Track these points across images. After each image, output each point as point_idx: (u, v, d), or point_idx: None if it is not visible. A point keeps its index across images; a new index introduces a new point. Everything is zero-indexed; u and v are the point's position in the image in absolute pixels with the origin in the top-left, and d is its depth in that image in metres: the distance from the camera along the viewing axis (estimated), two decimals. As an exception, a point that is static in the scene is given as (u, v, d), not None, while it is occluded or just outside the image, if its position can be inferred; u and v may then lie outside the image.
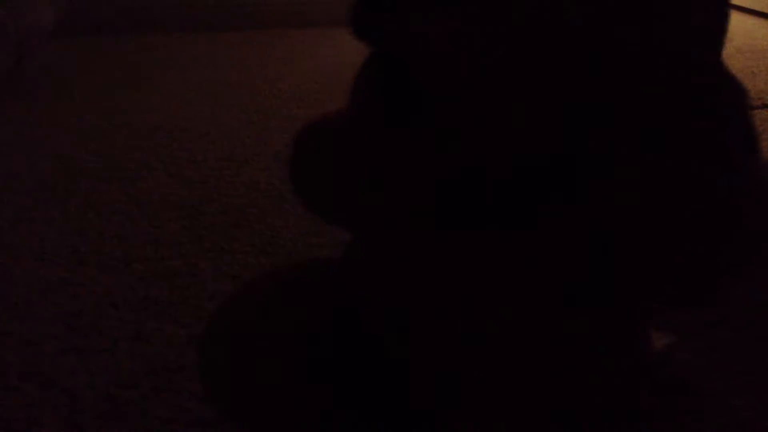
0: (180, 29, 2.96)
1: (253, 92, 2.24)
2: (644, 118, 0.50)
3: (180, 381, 0.98)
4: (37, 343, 1.06)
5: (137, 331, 1.09)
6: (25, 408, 0.93)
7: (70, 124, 1.97)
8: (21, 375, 1.00)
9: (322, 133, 0.70)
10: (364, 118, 0.60)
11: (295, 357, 0.66)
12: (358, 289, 0.66)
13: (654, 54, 0.50)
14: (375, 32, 0.58)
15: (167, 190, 1.58)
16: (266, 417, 0.68)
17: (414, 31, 0.54)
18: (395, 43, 0.55)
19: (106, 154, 1.77)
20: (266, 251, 1.32)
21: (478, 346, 0.58)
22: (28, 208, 1.49)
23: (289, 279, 0.74)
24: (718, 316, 1.10)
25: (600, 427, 0.60)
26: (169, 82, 2.33)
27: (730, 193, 0.52)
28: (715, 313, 1.10)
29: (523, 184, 0.52)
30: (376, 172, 0.58)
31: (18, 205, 1.51)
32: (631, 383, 0.63)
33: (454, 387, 0.61)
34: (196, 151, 1.80)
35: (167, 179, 1.64)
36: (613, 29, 0.50)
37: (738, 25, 3.02)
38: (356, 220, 0.67)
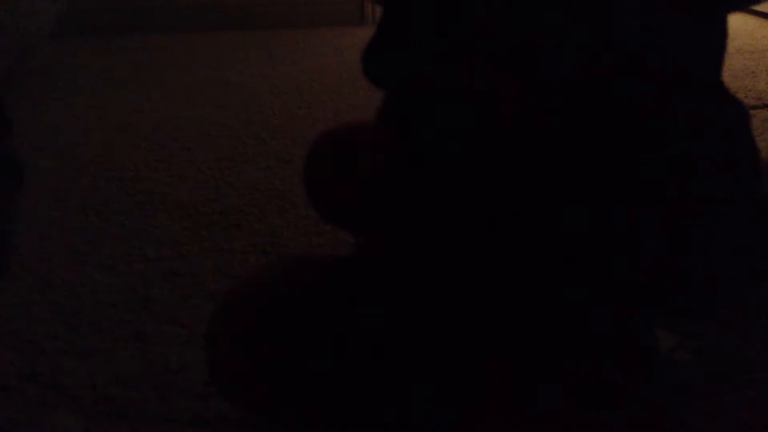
0: (180, 29, 2.96)
1: (253, 92, 2.24)
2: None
3: (180, 381, 0.98)
4: (37, 343, 1.06)
5: (137, 331, 1.09)
6: (25, 408, 0.93)
7: (70, 124, 1.97)
8: (21, 375, 1.00)
9: (344, 152, 0.73)
10: (391, 152, 0.63)
11: (299, 351, 0.66)
12: (366, 287, 0.66)
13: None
14: (389, 81, 0.61)
15: (167, 190, 1.58)
16: (273, 410, 0.69)
17: (428, 85, 0.56)
18: (410, 93, 0.58)
19: (106, 154, 1.77)
20: (266, 251, 1.32)
21: (483, 347, 0.59)
22: (28, 208, 1.49)
23: (291, 274, 0.74)
24: (718, 318, 1.10)
25: (603, 427, 0.60)
26: (169, 82, 2.33)
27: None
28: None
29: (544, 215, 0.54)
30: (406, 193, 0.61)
31: (18, 205, 1.51)
32: (636, 384, 0.63)
33: (454, 386, 0.61)
34: (196, 151, 1.80)
35: (167, 179, 1.64)
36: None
37: (738, 25, 3.02)
38: (372, 229, 0.69)
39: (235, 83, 2.33)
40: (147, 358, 1.03)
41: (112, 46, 2.75)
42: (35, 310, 1.15)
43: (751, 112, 2.03)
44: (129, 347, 1.05)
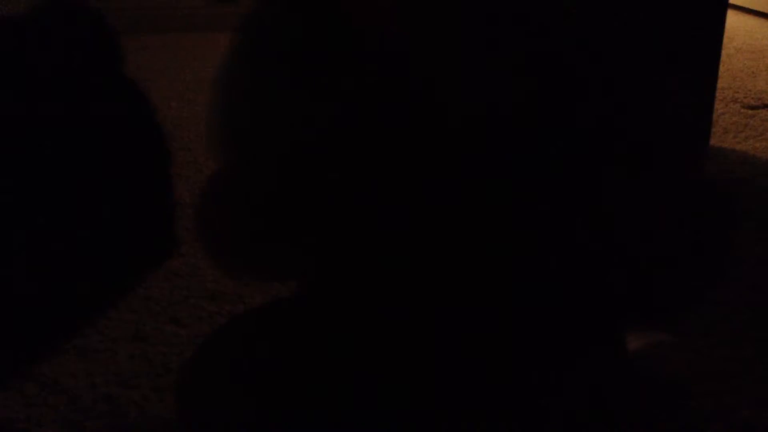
0: (180, 29, 2.96)
1: (253, 92, 2.24)
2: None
3: (180, 381, 0.98)
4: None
5: (137, 331, 1.09)
6: (25, 408, 0.93)
7: (70, 124, 1.97)
8: (21, 375, 1.00)
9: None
10: None
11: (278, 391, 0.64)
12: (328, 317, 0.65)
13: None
14: None
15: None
16: None
17: None
18: None
19: (106, 154, 1.77)
20: (266, 251, 1.32)
21: (466, 349, 0.58)
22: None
23: (268, 318, 0.73)
24: (718, 316, 1.10)
25: (597, 428, 0.60)
26: (169, 82, 2.33)
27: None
28: (715, 312, 1.10)
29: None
30: None
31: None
32: (627, 384, 0.63)
33: (438, 389, 0.61)
34: (196, 151, 1.80)
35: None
36: None
37: (738, 25, 3.02)
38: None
39: (235, 83, 2.33)
40: (147, 358, 1.03)
41: (112, 46, 2.75)
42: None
43: (751, 112, 2.03)
44: (129, 347, 1.05)
